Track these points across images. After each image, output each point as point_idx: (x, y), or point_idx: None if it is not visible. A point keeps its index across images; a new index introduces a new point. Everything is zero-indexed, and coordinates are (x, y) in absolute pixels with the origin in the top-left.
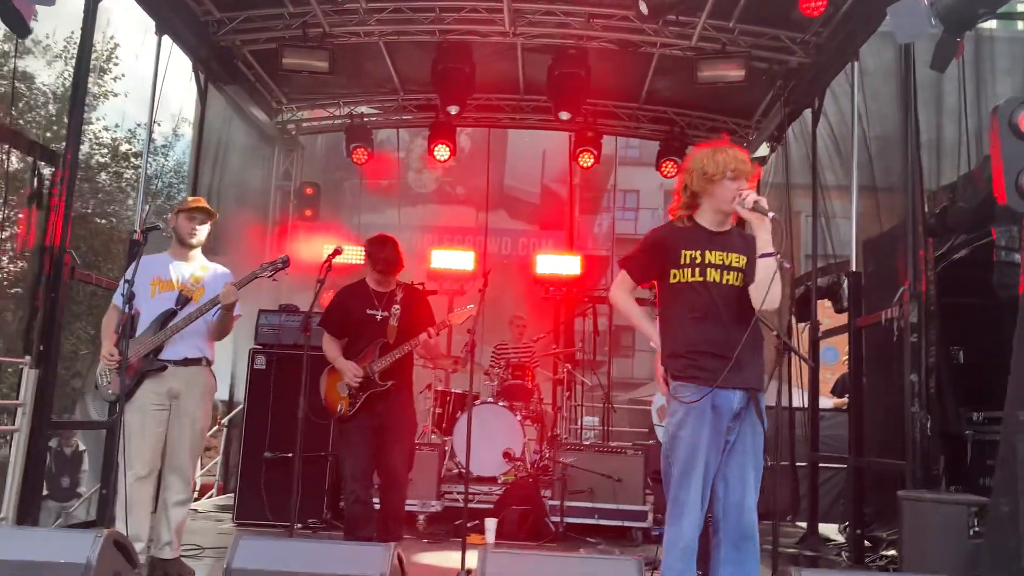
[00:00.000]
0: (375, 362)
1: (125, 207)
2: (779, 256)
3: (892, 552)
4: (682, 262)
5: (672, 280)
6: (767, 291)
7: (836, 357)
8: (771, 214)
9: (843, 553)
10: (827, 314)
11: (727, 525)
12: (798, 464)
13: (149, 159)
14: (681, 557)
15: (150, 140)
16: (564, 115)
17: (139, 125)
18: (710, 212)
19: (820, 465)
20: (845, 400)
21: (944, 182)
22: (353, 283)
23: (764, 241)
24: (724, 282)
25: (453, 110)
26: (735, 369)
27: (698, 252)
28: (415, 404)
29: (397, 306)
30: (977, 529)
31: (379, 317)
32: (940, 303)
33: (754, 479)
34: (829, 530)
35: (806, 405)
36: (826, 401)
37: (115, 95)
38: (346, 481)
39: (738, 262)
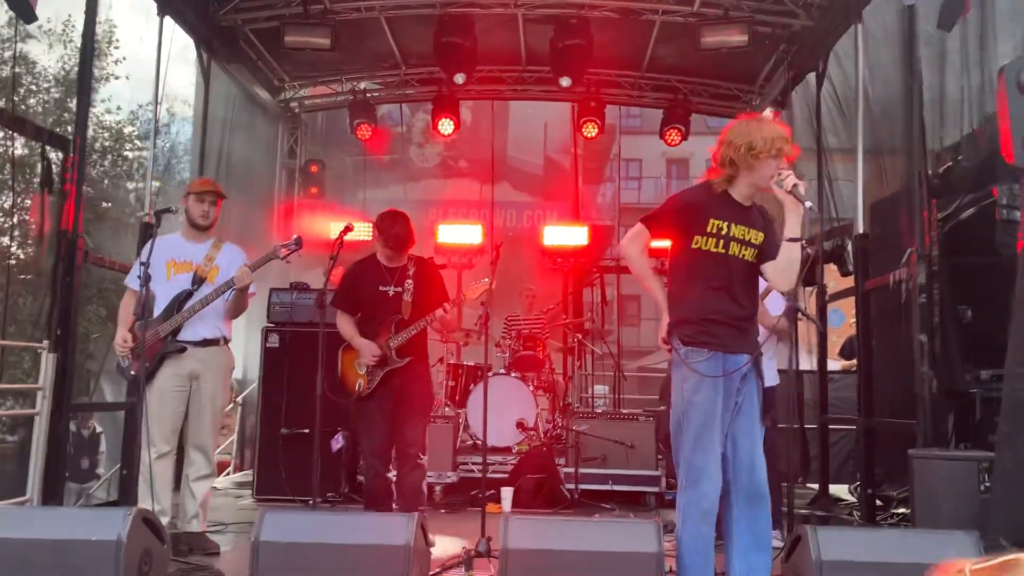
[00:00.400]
0: (392, 339)
1: (128, 190)
2: (804, 241)
3: (903, 510)
4: (708, 230)
5: (694, 245)
6: (799, 278)
7: (842, 320)
8: (808, 204)
9: (855, 512)
10: (832, 277)
11: (738, 485)
12: (807, 426)
13: (150, 141)
14: (702, 520)
15: (156, 122)
16: (565, 81)
17: (141, 106)
18: (744, 186)
19: (829, 427)
20: (853, 362)
21: (948, 140)
22: (363, 259)
23: (793, 225)
24: (741, 256)
25: (460, 78)
26: (742, 336)
27: (725, 224)
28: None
29: (410, 281)
30: (987, 485)
31: (392, 293)
32: (949, 262)
33: (760, 437)
34: (839, 491)
35: (815, 368)
36: (834, 364)
37: (116, 78)
38: (366, 458)
39: (756, 239)
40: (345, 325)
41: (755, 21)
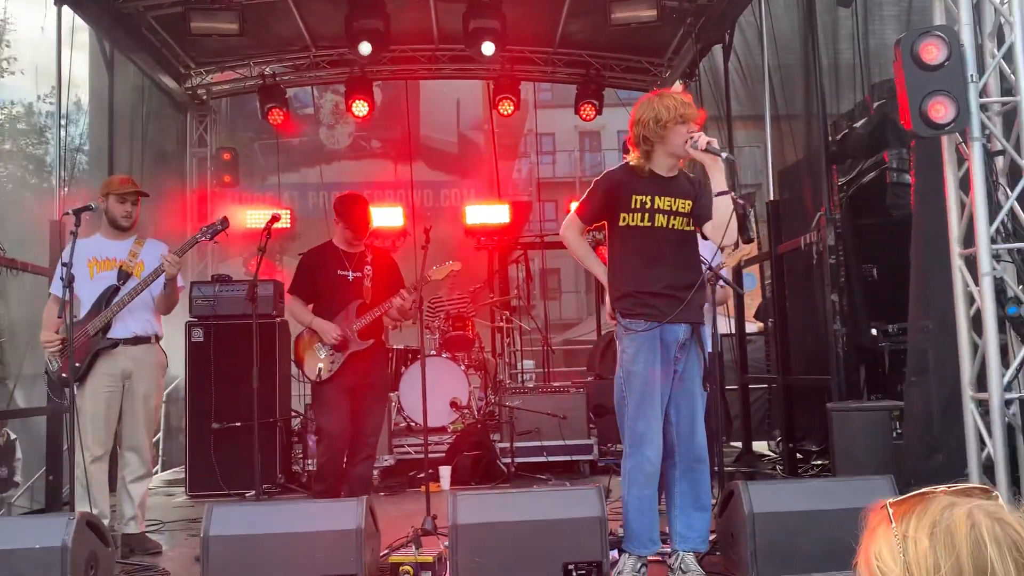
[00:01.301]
0: (355, 323)
1: (29, 186)
2: (733, 194)
3: (821, 462)
4: (633, 207)
5: (621, 223)
6: (726, 229)
7: (755, 283)
8: (724, 154)
9: (777, 467)
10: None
11: (680, 449)
12: (728, 388)
13: (50, 136)
14: (646, 483)
15: (64, 118)
16: (487, 47)
17: (40, 98)
18: (662, 157)
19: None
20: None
21: (844, 104)
22: (319, 246)
23: (718, 181)
24: (670, 227)
25: (365, 48)
26: (680, 305)
27: (648, 198)
28: None
29: (369, 267)
30: (899, 431)
31: (352, 278)
32: (853, 224)
33: (701, 404)
34: (760, 447)
35: (733, 331)
36: (751, 326)
37: (12, 73)
38: (325, 441)
39: (684, 207)
40: (300, 311)
41: None
